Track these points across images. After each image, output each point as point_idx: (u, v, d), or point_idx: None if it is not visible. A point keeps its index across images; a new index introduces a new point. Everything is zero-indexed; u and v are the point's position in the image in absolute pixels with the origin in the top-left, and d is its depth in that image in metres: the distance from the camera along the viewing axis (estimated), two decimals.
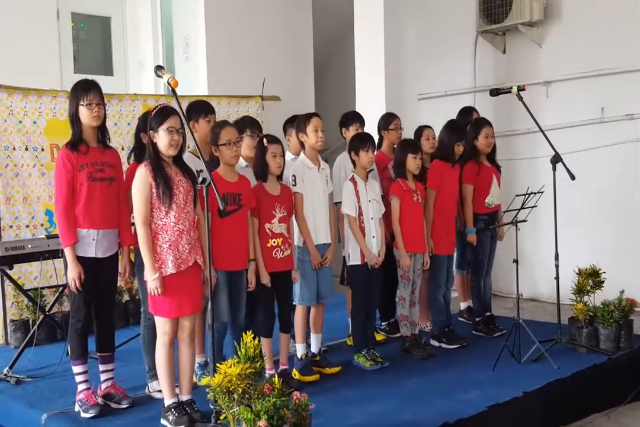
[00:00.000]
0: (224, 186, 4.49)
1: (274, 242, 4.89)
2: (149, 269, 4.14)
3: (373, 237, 5.37)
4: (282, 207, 4.92)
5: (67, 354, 4.83)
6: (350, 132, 5.80)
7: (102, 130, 4.62)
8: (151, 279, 4.14)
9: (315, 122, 5.21)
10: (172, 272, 4.15)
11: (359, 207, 5.35)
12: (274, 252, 4.88)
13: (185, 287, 4.22)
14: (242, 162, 5.07)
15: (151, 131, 4.20)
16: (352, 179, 5.40)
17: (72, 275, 4.44)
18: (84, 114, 4.48)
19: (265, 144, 4.86)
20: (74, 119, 4.51)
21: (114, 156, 4.68)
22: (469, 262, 6.36)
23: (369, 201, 5.38)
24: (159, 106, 4.28)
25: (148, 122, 4.25)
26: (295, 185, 5.12)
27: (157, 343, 4.31)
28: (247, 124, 5.20)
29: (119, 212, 4.62)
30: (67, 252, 4.45)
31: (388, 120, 6.19)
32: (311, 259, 5.14)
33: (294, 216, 5.10)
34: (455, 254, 6.29)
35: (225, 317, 4.65)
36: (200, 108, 5.18)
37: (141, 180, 4.16)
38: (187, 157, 4.87)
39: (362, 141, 5.36)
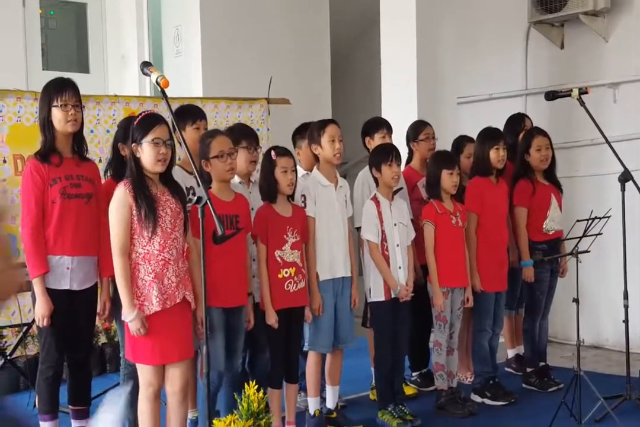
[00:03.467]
0: (219, 207, 4.49)
1: (286, 272, 4.95)
2: (127, 306, 4.17)
3: (399, 267, 5.42)
4: (294, 231, 4.98)
5: (34, 406, 4.89)
6: (376, 141, 5.88)
7: (78, 139, 4.73)
8: (130, 318, 4.16)
9: (332, 130, 5.28)
10: (156, 310, 4.19)
11: (382, 231, 5.40)
12: (285, 285, 4.94)
13: (171, 328, 4.25)
14: (235, 179, 5.12)
15: (133, 144, 4.26)
16: (374, 198, 5.46)
17: (42, 311, 4.50)
18: (58, 117, 4.58)
19: (274, 157, 4.93)
20: (45, 124, 4.60)
21: (92, 169, 4.78)
22: (520, 300, 6.40)
23: (395, 225, 5.44)
24: (142, 114, 4.36)
25: (130, 131, 4.32)
26: (305, 207, 5.18)
27: (140, 396, 4.34)
28: (241, 134, 5.24)
29: (98, 236, 4.69)
30: (36, 283, 4.51)
31: (418, 130, 6.28)
32: (311, 301, 5.14)
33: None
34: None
35: (221, 365, 4.68)
36: (186, 114, 5.23)
37: (120, 202, 4.21)
38: (175, 171, 4.94)
39: (384, 154, 5.43)
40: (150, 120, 4.30)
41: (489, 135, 5.97)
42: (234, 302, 4.74)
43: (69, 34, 9.65)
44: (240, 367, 4.91)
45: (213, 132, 4.94)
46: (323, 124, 5.33)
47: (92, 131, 7.19)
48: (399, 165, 5.45)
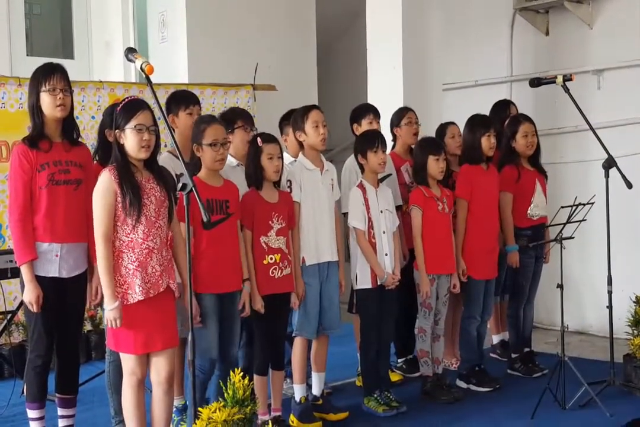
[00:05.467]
0: (208, 192, 4.53)
1: (271, 258, 4.94)
2: (108, 295, 4.10)
3: (386, 254, 5.42)
4: (280, 217, 4.97)
5: (23, 393, 4.84)
6: (363, 127, 5.86)
7: (68, 123, 4.67)
8: (109, 308, 4.09)
9: (315, 115, 5.26)
10: (139, 299, 4.13)
11: (369, 218, 5.40)
12: (270, 271, 4.93)
13: (154, 316, 4.20)
14: (232, 160, 5.12)
15: (117, 130, 4.21)
16: (360, 185, 5.45)
17: (30, 298, 4.44)
18: (47, 102, 4.52)
19: (260, 144, 4.91)
20: (35, 110, 4.55)
21: (82, 154, 4.72)
22: (506, 286, 6.39)
23: (381, 212, 5.43)
24: (125, 100, 4.30)
25: (114, 117, 4.26)
26: (291, 192, 5.16)
27: (124, 385, 4.29)
28: (237, 115, 5.24)
29: (87, 223, 4.59)
30: (24, 270, 4.46)
31: (400, 115, 6.27)
32: (295, 287, 5.13)
33: None
34: None
35: (214, 353, 4.64)
36: (179, 99, 5.23)
37: (105, 188, 4.15)
38: (165, 157, 4.92)
39: (369, 140, 5.42)
40: (133, 106, 4.23)
41: (479, 123, 5.94)
42: (229, 288, 4.70)
43: (54, 20, 9.57)
44: (236, 357, 4.84)
45: (210, 118, 4.88)
46: (306, 110, 5.32)
47: (77, 117, 7.08)
48: (384, 151, 5.44)
